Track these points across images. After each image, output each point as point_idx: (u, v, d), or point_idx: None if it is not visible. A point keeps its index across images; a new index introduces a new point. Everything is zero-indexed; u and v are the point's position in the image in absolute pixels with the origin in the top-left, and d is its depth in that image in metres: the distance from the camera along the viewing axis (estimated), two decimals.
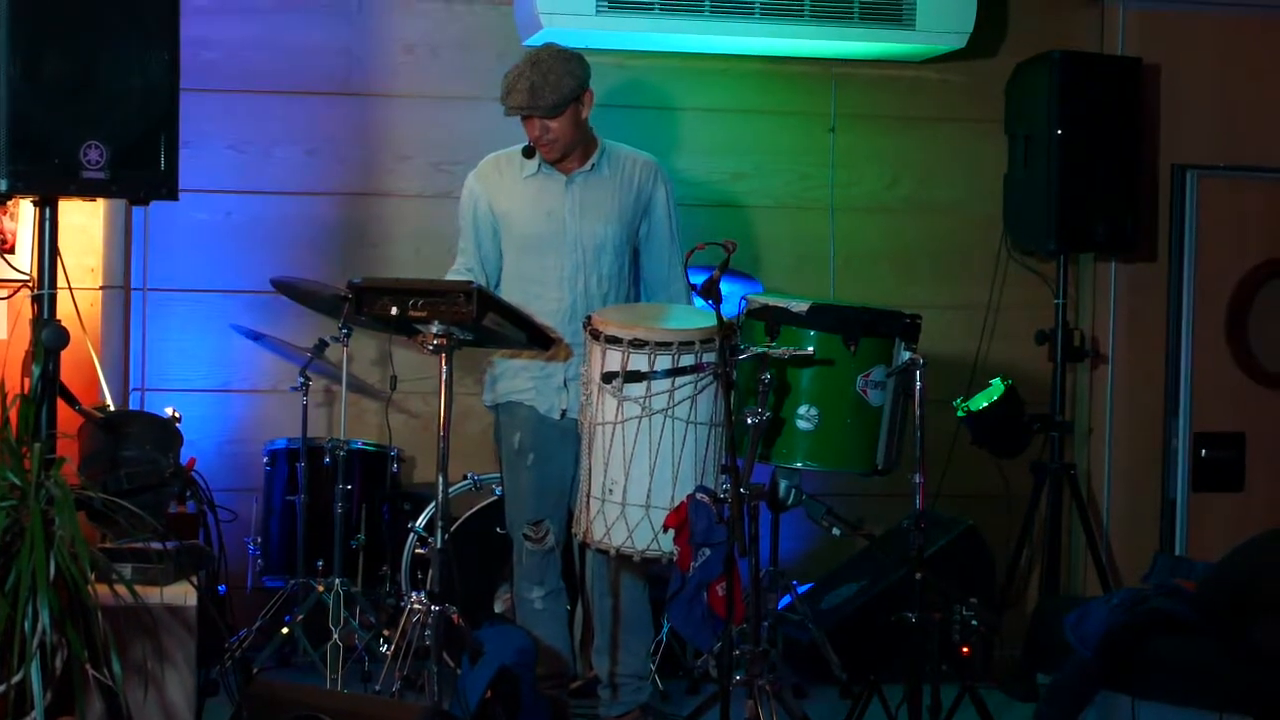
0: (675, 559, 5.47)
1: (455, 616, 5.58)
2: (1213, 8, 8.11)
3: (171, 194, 5.77)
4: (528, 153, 6.23)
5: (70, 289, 5.82)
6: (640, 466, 5.55)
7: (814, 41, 7.49)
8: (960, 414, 6.81)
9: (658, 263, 6.34)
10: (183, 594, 5.23)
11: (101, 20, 5.58)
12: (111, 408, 6.48)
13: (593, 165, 6.26)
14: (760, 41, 7.46)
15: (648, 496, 5.56)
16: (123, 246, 7.20)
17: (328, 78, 7.46)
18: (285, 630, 6.81)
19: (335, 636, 6.62)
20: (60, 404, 5.67)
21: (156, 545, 5.19)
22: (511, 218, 6.26)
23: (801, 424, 5.71)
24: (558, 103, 6.10)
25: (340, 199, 7.50)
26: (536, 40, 7.34)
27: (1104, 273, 8.06)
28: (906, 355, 5.77)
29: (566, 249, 6.17)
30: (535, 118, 6.13)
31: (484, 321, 5.64)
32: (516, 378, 6.24)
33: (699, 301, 5.62)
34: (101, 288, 7.12)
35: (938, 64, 7.86)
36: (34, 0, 5.48)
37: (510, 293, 6.18)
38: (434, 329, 5.60)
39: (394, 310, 5.61)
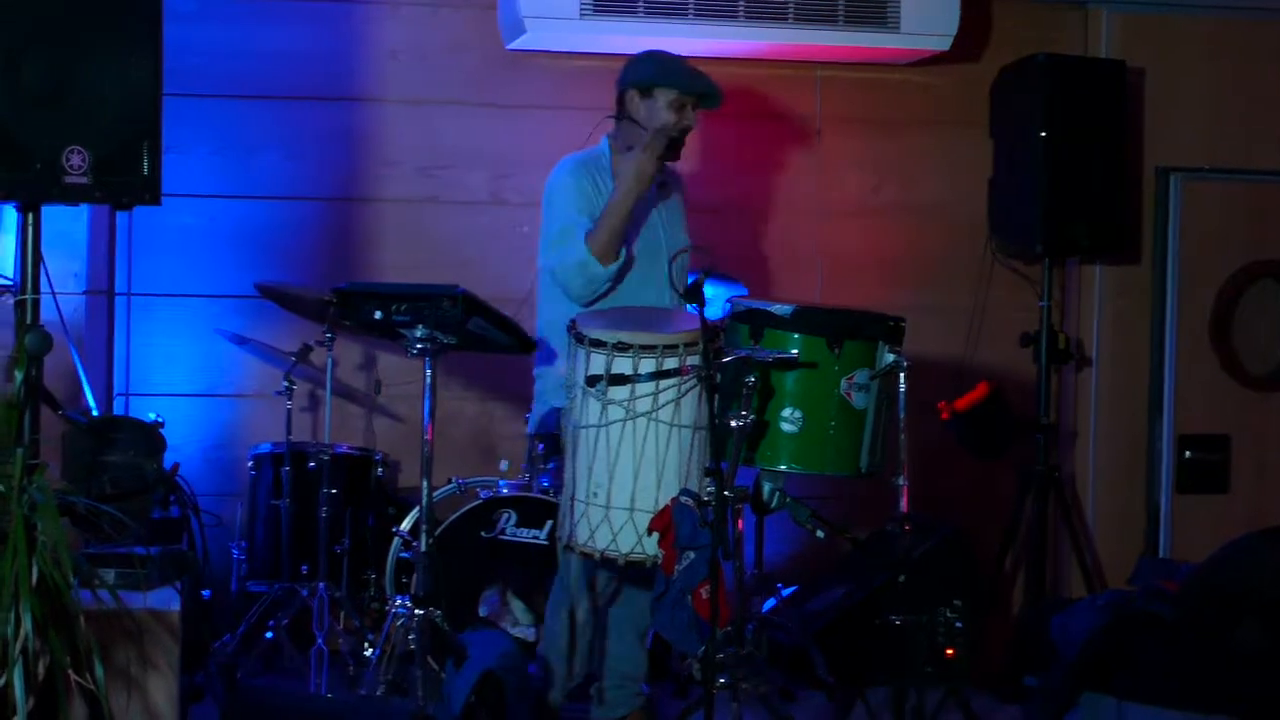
0: (659, 562, 5.47)
1: (440, 620, 5.58)
2: (1197, 11, 8.13)
3: (154, 199, 5.76)
4: (673, 151, 6.22)
5: (54, 294, 5.81)
6: (624, 470, 5.55)
7: (798, 44, 7.49)
8: (945, 417, 6.81)
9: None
10: (166, 599, 5.22)
11: (83, 25, 5.57)
12: (95, 412, 6.47)
13: (663, 182, 6.34)
14: (744, 44, 7.47)
15: (632, 500, 5.55)
16: (106, 251, 7.20)
17: (312, 82, 7.46)
18: (270, 635, 6.81)
19: (320, 641, 6.61)
20: (43, 409, 5.66)
21: (140, 550, 5.18)
22: None
23: (786, 427, 5.71)
24: (719, 103, 6.32)
25: (325, 204, 7.50)
26: (521, 44, 7.36)
27: (1089, 276, 8.07)
28: (890, 358, 5.77)
29: (660, 260, 6.23)
30: (691, 110, 6.26)
31: (468, 325, 5.65)
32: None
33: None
34: (85, 293, 7.11)
35: (922, 67, 7.87)
36: (14, 5, 5.47)
37: (616, 300, 6.20)
38: (418, 333, 5.61)
39: (378, 314, 5.61)
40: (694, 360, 5.48)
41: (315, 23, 7.46)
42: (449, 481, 6.97)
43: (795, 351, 5.66)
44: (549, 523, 6.65)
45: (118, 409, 7.17)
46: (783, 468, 5.79)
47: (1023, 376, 7.68)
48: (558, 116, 7.58)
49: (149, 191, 5.75)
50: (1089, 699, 6.07)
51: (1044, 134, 7.48)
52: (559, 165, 6.38)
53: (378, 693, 5.72)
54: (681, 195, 6.49)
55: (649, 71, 6.26)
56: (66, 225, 6.92)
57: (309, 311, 6.86)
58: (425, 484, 5.63)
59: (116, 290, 7.25)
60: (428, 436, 5.62)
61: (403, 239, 7.54)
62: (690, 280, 5.48)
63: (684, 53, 7.21)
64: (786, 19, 7.41)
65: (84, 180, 5.59)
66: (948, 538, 7.36)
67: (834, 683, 6.78)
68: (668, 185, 6.38)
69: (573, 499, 5.68)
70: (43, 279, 5.76)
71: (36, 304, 5.74)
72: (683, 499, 5.41)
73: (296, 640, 6.81)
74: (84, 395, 6.58)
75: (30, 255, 5.73)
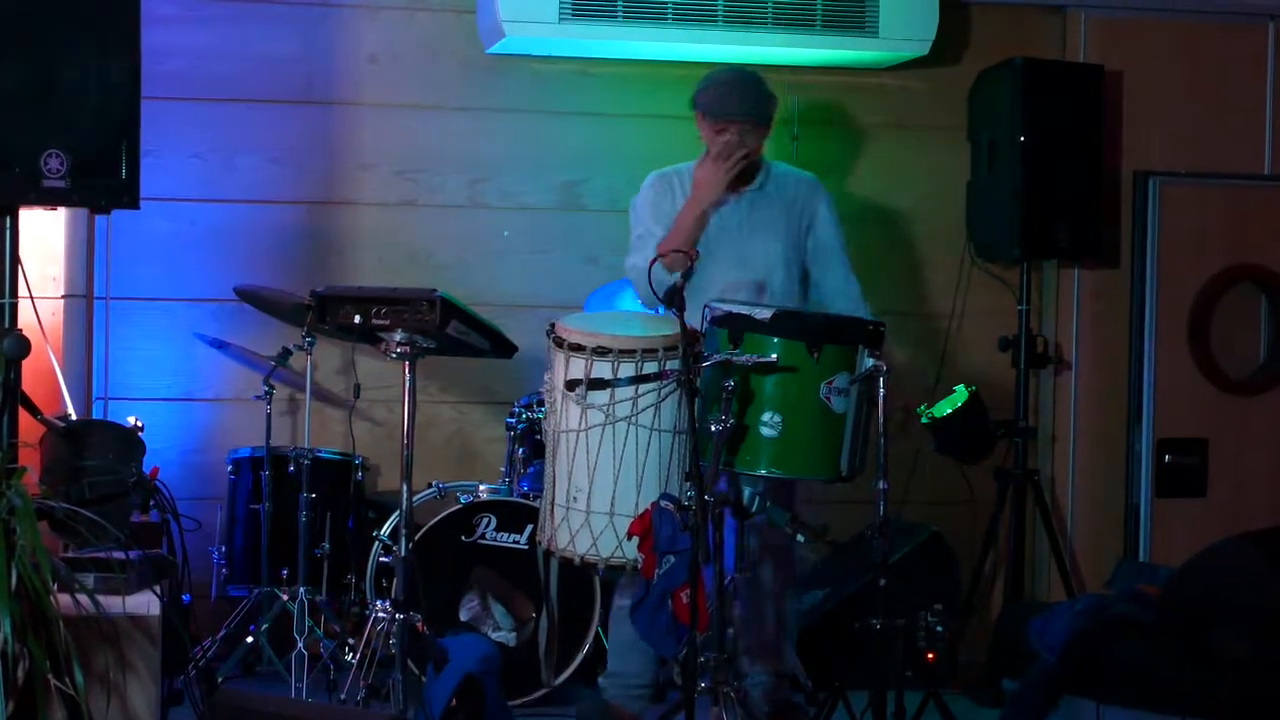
0: (639, 567, 5.47)
1: (420, 625, 5.58)
2: (1175, 15, 8.14)
3: (133, 202, 5.75)
4: (747, 178, 6.37)
5: (32, 298, 5.80)
6: (604, 474, 5.55)
7: (776, 49, 7.50)
8: (924, 420, 6.82)
9: (831, 275, 6.51)
10: (146, 603, 5.21)
11: (61, 28, 5.56)
12: (74, 417, 6.45)
13: (760, 185, 6.42)
14: (723, 49, 7.46)
15: (611, 504, 5.55)
16: (85, 255, 7.17)
17: (291, 86, 7.46)
18: (250, 639, 6.80)
19: (300, 645, 6.60)
20: (22, 413, 5.65)
21: (119, 555, 5.17)
22: None
23: (765, 431, 5.71)
24: (770, 116, 6.39)
25: (304, 207, 7.49)
26: (500, 48, 7.36)
27: (1067, 279, 8.08)
28: (870, 362, 5.77)
29: (733, 269, 6.29)
30: (737, 128, 6.29)
31: (447, 329, 5.65)
32: None
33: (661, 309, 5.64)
34: (63, 297, 7.09)
35: (900, 71, 7.88)
36: None
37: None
38: (397, 337, 5.61)
39: (357, 318, 5.61)
40: (673, 364, 5.48)
41: (294, 26, 7.45)
42: (429, 486, 6.97)
43: (775, 356, 5.65)
44: (529, 527, 6.65)
45: (96, 413, 7.14)
46: (762, 472, 5.80)
47: (1001, 380, 7.69)
48: (537, 120, 7.58)
49: (127, 195, 5.75)
50: (1068, 703, 6.08)
51: (1022, 138, 7.49)
52: (646, 179, 6.56)
53: (358, 697, 5.71)
54: (805, 202, 6.50)
55: (694, 93, 6.43)
56: (45, 229, 6.91)
57: (288, 315, 6.86)
58: (405, 488, 5.63)
59: (95, 294, 7.23)
60: (408, 440, 5.61)
61: (381, 243, 7.53)
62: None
63: (662, 57, 7.24)
64: (765, 23, 7.41)
65: (62, 184, 5.58)
66: (927, 541, 7.37)
67: (813, 686, 6.79)
68: (765, 188, 6.46)
69: (552, 503, 5.68)
70: (20, 282, 5.75)
71: (15, 308, 5.73)
72: (662, 503, 5.41)
73: (276, 645, 6.80)
74: (63, 400, 6.56)
75: (8, 259, 5.72)
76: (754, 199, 6.44)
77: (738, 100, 6.32)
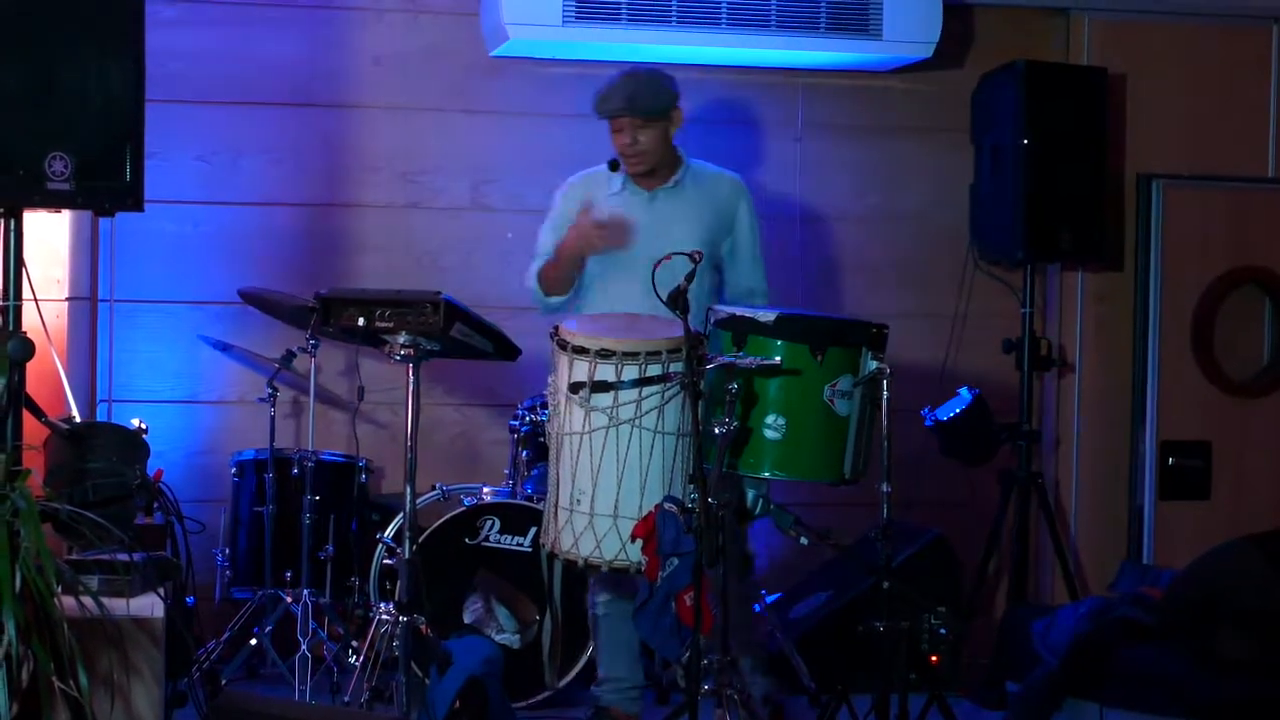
0: (643, 569, 5.47)
1: (423, 627, 5.58)
2: (1178, 18, 8.14)
3: (137, 205, 5.76)
4: (613, 165, 6.35)
5: (36, 300, 5.80)
6: (608, 476, 5.55)
7: (781, 51, 7.50)
8: (928, 423, 6.82)
9: (742, 276, 6.48)
10: (150, 606, 5.21)
11: (64, 31, 5.56)
12: (78, 419, 6.45)
13: (676, 182, 6.38)
14: (727, 51, 7.47)
15: (615, 506, 5.55)
16: (89, 258, 7.18)
17: (295, 89, 7.46)
18: (253, 641, 6.81)
19: (304, 647, 6.61)
20: (26, 416, 5.65)
21: (123, 557, 5.17)
22: None
23: (769, 434, 5.71)
24: (653, 108, 6.25)
25: (307, 210, 7.50)
26: (503, 51, 7.36)
27: (1070, 282, 8.08)
28: (873, 365, 5.77)
29: (640, 265, 6.12)
30: (627, 125, 6.26)
31: (451, 332, 5.65)
32: None
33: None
34: (67, 299, 7.10)
35: (904, 74, 7.88)
36: None
37: (595, 304, 6.27)
38: (401, 340, 5.62)
39: (361, 321, 5.62)
40: (677, 367, 5.48)
41: (297, 29, 7.46)
42: (432, 488, 6.98)
43: (778, 358, 5.66)
44: (532, 529, 6.65)
45: (100, 415, 7.15)
46: (766, 474, 5.80)
47: (1005, 383, 7.68)
48: (540, 123, 7.59)
49: (131, 197, 5.75)
50: (1071, 705, 6.08)
51: (1026, 140, 7.49)
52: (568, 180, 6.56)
53: (361, 699, 5.72)
54: (724, 201, 6.44)
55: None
56: (49, 231, 6.91)
57: (291, 318, 6.86)
58: (409, 490, 5.63)
59: (99, 296, 7.24)
60: (411, 443, 5.62)
61: (385, 245, 7.54)
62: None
63: (666, 59, 7.24)
64: (769, 26, 7.41)
65: (66, 186, 5.59)
66: (931, 544, 7.36)
67: (816, 689, 6.79)
68: (682, 185, 6.40)
69: (556, 506, 5.68)
70: (25, 285, 5.75)
71: (19, 310, 5.73)
72: (666, 506, 5.41)
73: (280, 647, 6.80)
74: (66, 402, 6.57)
75: (12, 261, 5.72)
76: (666, 196, 6.38)
77: (617, 97, 6.27)
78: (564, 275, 6.31)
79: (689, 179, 6.42)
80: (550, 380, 5.79)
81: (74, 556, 5.31)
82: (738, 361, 5.57)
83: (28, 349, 5.57)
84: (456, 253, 7.56)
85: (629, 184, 6.38)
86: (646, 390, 5.52)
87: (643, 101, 6.24)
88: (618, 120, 6.29)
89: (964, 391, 6.92)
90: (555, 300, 6.36)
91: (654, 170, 6.36)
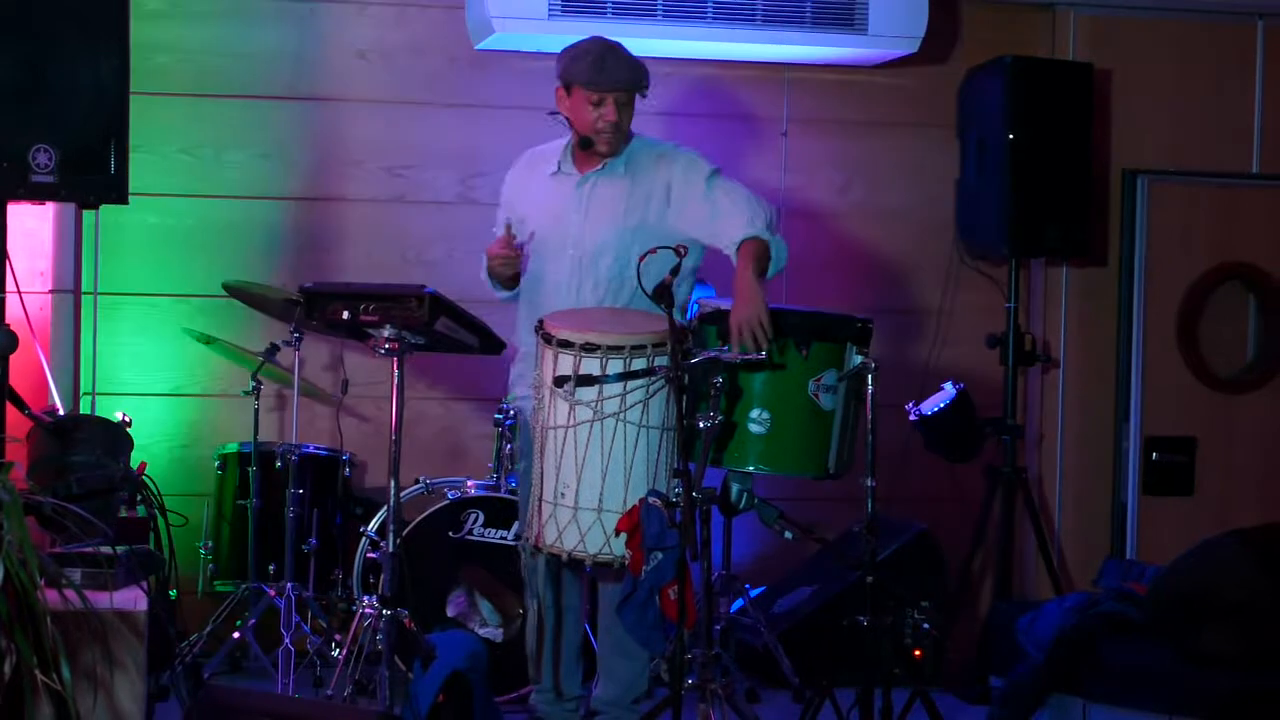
0: (627, 563, 5.47)
1: (407, 621, 5.57)
2: (1164, 14, 8.15)
3: (121, 198, 5.76)
4: (585, 144, 6.02)
5: (19, 293, 5.80)
6: (592, 470, 5.54)
7: (766, 46, 7.50)
8: (913, 418, 6.82)
9: (721, 224, 5.96)
10: (133, 599, 5.19)
11: (49, 24, 5.56)
12: (61, 412, 6.45)
13: (605, 165, 6.05)
14: (713, 45, 7.47)
15: (599, 500, 5.55)
16: (73, 250, 7.16)
17: (280, 82, 7.45)
18: (236, 635, 6.79)
19: (287, 641, 6.60)
20: (9, 408, 5.64)
21: (106, 550, 5.16)
22: (526, 220, 6.11)
23: (753, 428, 5.72)
24: (646, 85, 6.02)
25: (292, 203, 7.49)
26: (489, 44, 7.35)
27: (1055, 277, 8.09)
28: (858, 359, 5.78)
29: (568, 252, 6.06)
30: (613, 100, 5.93)
31: (436, 326, 5.64)
32: (517, 384, 6.21)
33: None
34: (51, 291, 7.09)
35: (890, 69, 7.88)
36: None
37: (524, 294, 6.15)
38: (385, 333, 5.61)
39: (345, 314, 5.60)
40: (662, 361, 5.47)
41: (283, 22, 7.44)
42: (416, 482, 6.97)
43: (763, 353, 5.66)
44: (516, 523, 6.65)
45: (84, 408, 7.13)
46: (751, 468, 5.80)
47: (990, 378, 7.69)
48: (526, 116, 7.52)
49: (116, 190, 5.76)
50: (1056, 700, 6.09)
51: (1011, 136, 7.49)
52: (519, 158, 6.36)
53: (345, 693, 5.71)
54: (655, 176, 6.05)
55: (560, 69, 6.08)
56: (33, 223, 6.90)
57: (276, 311, 6.85)
58: (393, 484, 5.62)
59: (83, 289, 7.22)
60: (395, 437, 5.61)
61: (370, 239, 7.53)
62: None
63: (652, 54, 7.22)
64: (755, 20, 7.41)
65: (51, 179, 5.59)
66: (915, 539, 7.37)
67: (800, 684, 6.79)
68: (614, 169, 6.07)
69: (540, 499, 5.67)
70: (8, 277, 5.75)
71: (2, 302, 5.73)
72: (650, 499, 5.41)
73: (263, 640, 6.80)
74: (50, 395, 6.56)
75: None
76: (596, 181, 6.06)
77: (620, 69, 5.96)
78: (500, 276, 6.14)
79: (623, 162, 6.07)
80: (535, 374, 5.77)
81: (57, 549, 5.29)
82: (722, 355, 5.57)
83: (12, 341, 5.56)
84: (441, 246, 7.55)
85: (565, 167, 6.11)
86: (631, 384, 5.52)
87: (641, 77, 5.99)
88: (608, 95, 5.94)
89: (948, 386, 6.92)
90: (503, 295, 6.21)
91: (594, 154, 6.07)
